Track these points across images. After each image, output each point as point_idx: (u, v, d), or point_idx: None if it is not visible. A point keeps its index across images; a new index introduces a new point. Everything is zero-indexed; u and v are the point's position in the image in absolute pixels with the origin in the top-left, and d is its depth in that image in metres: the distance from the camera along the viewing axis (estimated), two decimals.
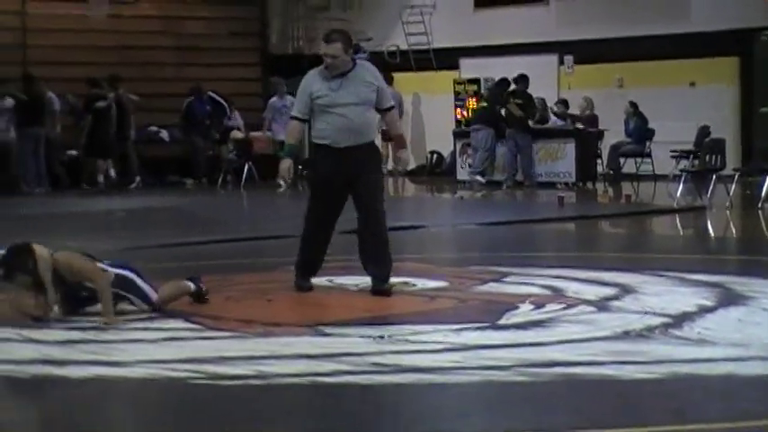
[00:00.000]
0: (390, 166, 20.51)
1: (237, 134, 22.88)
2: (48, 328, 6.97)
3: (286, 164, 8.41)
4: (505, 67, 21.39)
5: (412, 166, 24.34)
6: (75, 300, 7.32)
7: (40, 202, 18.80)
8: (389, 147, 18.00)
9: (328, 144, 8.12)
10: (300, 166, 18.22)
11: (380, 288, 8.12)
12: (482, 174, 20.54)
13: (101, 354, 6.27)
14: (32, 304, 7.15)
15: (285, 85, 21.78)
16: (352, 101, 8.06)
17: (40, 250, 7.19)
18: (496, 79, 21.40)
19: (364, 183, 8.15)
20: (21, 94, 20.84)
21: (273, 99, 21.69)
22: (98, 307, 7.21)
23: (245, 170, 22.10)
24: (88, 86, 21.35)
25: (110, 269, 7.35)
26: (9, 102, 20.80)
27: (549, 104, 21.35)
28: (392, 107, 8.48)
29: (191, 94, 22.34)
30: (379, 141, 9.12)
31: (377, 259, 8.20)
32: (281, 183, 19.00)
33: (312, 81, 8.16)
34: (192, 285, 7.75)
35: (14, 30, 22.66)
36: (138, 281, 7.42)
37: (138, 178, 21.62)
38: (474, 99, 22.46)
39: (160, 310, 7.42)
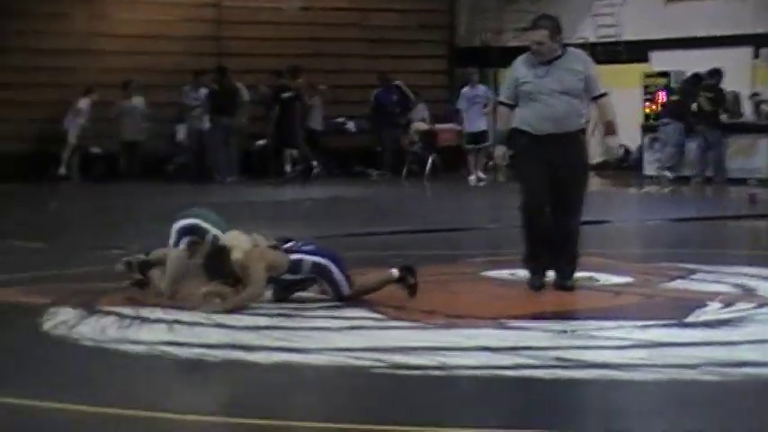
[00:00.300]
0: (599, 155, 20.03)
1: (422, 126, 22.96)
2: (237, 313, 7.13)
3: (500, 150, 8.35)
4: (697, 61, 20.89)
5: (598, 159, 24.04)
6: (284, 287, 7.47)
7: (231, 190, 19.26)
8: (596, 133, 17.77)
9: (530, 131, 7.98)
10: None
11: (562, 284, 8.02)
12: (670, 169, 20.14)
13: (287, 340, 6.39)
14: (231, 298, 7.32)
15: (479, 75, 21.54)
16: (557, 89, 7.89)
17: (236, 252, 7.31)
18: (688, 73, 20.92)
19: (564, 173, 7.97)
20: (213, 85, 21.41)
21: (465, 89, 21.20)
22: (306, 294, 7.44)
23: (430, 162, 22.18)
24: (273, 78, 21.78)
25: (306, 257, 7.43)
26: (203, 92, 21.41)
27: (741, 98, 20.78)
28: (603, 94, 8.16)
29: (379, 84, 22.52)
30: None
31: (562, 254, 8.08)
32: (495, 166, 19.03)
33: (519, 67, 8.06)
34: (394, 272, 7.69)
35: (209, 22, 23.27)
36: (335, 271, 7.46)
37: (314, 163, 21.81)
38: (663, 93, 22.00)
39: (350, 299, 7.48)
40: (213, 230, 7.60)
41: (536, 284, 8.00)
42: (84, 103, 21.32)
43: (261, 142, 22.19)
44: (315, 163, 21.82)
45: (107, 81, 21.66)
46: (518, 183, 8.20)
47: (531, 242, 8.08)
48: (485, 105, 20.29)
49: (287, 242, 7.59)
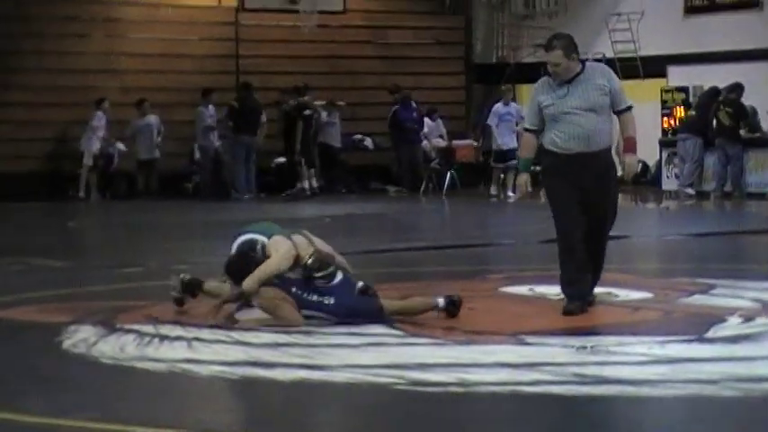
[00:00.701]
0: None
1: (440, 142, 22.99)
2: (255, 330, 7.14)
3: (523, 178, 8.16)
4: (715, 75, 20.87)
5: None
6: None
7: (249, 207, 19.32)
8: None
9: (557, 152, 7.75)
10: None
11: None
12: (691, 186, 20.07)
13: (306, 357, 6.40)
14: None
15: (513, 92, 21.45)
16: (582, 106, 7.68)
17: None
18: (706, 87, 20.90)
19: (597, 197, 7.73)
20: (233, 102, 21.49)
21: (498, 105, 20.99)
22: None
23: (448, 178, 22.20)
24: (289, 95, 21.88)
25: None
26: (212, 109, 21.42)
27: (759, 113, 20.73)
28: (628, 108, 7.89)
29: (396, 102, 22.56)
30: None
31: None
32: (515, 195, 19.12)
33: (540, 90, 7.83)
34: (440, 302, 7.54)
35: (228, 40, 23.38)
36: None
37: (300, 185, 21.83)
38: (682, 108, 21.97)
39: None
40: (261, 239, 7.57)
41: (574, 311, 7.62)
42: (97, 118, 21.37)
43: (280, 160, 22.25)
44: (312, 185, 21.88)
45: (125, 100, 21.78)
46: (551, 208, 7.90)
47: (569, 268, 7.75)
48: (516, 123, 20.11)
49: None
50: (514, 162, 19.44)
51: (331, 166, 22.65)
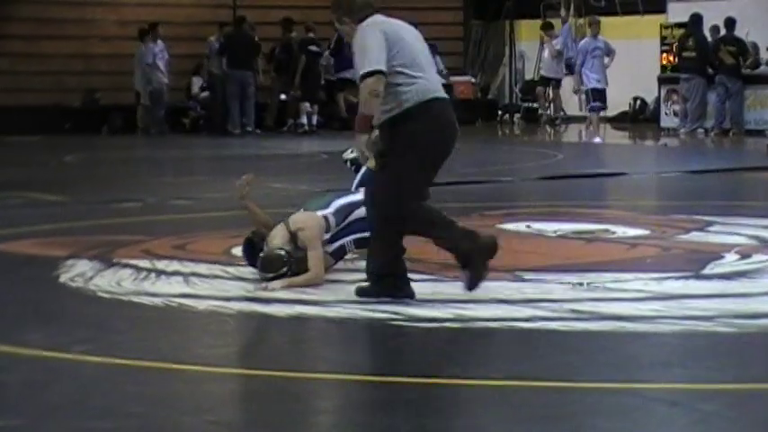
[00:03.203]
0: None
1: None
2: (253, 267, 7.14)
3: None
4: (716, 11, 20.71)
5: (614, 112, 23.90)
6: None
7: (247, 143, 19.28)
8: None
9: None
10: None
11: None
12: (698, 125, 19.92)
13: (303, 293, 6.40)
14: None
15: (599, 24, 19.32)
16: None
17: (272, 244, 6.73)
18: (707, 24, 20.68)
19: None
20: (227, 36, 21.30)
21: (586, 40, 19.06)
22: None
23: None
24: (292, 31, 21.73)
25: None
26: (160, 45, 21.16)
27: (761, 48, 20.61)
28: (362, 76, 6.12)
29: None
30: None
31: None
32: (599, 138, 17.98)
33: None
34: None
35: None
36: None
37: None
38: (681, 44, 21.81)
39: None
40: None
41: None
42: (151, 53, 20.99)
43: (284, 97, 22.14)
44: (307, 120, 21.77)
45: (124, 33, 21.65)
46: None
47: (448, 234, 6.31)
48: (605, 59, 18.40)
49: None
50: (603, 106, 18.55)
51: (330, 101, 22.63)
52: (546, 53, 23.04)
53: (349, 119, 22.56)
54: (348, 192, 7.19)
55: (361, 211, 6.69)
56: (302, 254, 6.69)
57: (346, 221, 6.90)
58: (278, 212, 7.27)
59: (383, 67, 6.09)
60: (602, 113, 19.28)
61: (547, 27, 23.16)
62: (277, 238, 6.72)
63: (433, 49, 22.56)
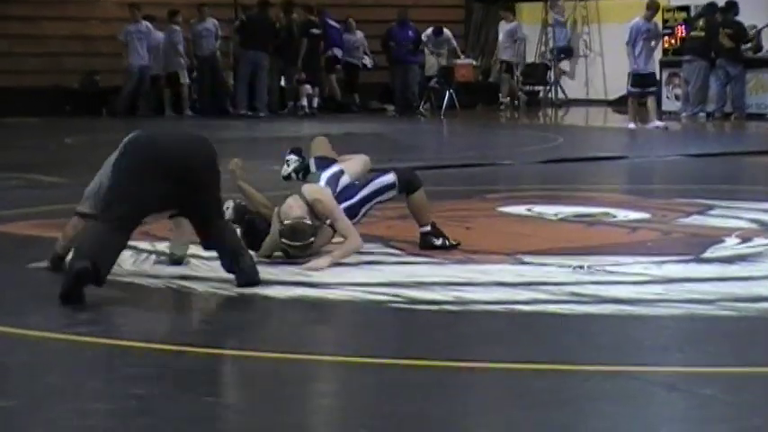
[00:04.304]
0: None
1: (440, 61, 22.80)
2: (252, 249, 7.13)
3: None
4: None
5: (615, 95, 23.86)
6: None
7: (248, 125, 19.27)
8: None
9: None
10: None
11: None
12: (701, 109, 19.87)
13: (303, 275, 6.40)
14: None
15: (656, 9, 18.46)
16: None
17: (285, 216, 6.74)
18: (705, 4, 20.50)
19: None
20: (242, 16, 21.27)
21: (637, 21, 18.18)
22: None
23: (446, 98, 22.06)
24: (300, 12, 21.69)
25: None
26: (211, 23, 21.19)
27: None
28: None
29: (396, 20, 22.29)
30: None
31: None
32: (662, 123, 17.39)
33: None
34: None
35: None
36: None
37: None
38: (684, 27, 21.74)
39: None
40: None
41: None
42: (176, 34, 21.04)
43: (284, 82, 22.07)
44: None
45: (122, 15, 21.58)
46: None
47: None
48: (652, 42, 17.96)
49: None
50: (654, 89, 18.14)
51: (354, 84, 22.60)
52: (501, 36, 23.04)
53: (344, 102, 22.59)
54: (327, 165, 7.34)
55: (346, 179, 7.10)
56: (319, 223, 6.78)
57: (338, 191, 7.05)
58: (278, 195, 7.25)
59: None
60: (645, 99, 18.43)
61: (507, 8, 23.13)
62: (296, 210, 6.73)
63: (439, 32, 22.61)
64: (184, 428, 4.00)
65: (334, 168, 7.27)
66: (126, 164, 6.01)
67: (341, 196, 7.04)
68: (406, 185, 7.19)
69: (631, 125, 17.78)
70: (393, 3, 22.79)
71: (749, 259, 6.78)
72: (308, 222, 6.68)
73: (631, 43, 17.79)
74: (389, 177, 7.18)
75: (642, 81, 17.87)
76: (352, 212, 7.00)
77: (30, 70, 21.43)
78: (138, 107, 21.42)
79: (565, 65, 24.63)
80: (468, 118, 21.23)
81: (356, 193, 7.10)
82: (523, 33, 23.54)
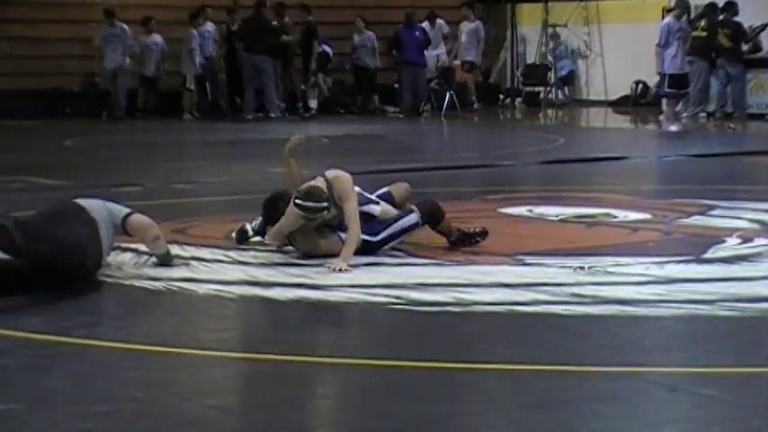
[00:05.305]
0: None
1: (442, 60, 22.77)
2: (253, 250, 7.14)
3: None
4: None
5: (615, 96, 23.87)
6: None
7: (248, 127, 19.26)
8: None
9: None
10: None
11: None
12: (701, 109, 19.85)
13: (304, 277, 6.41)
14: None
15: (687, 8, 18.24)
16: None
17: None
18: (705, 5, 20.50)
19: None
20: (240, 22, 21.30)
21: (669, 20, 17.90)
22: None
23: (447, 99, 22.04)
24: (301, 14, 21.69)
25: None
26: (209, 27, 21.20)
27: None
28: None
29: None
30: None
31: None
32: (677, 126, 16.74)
33: None
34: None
35: None
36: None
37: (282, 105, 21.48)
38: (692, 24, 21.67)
39: None
40: None
41: None
42: (194, 38, 21.15)
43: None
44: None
45: (123, 17, 21.59)
46: None
47: None
48: (685, 42, 17.57)
49: None
50: (687, 90, 17.86)
51: (368, 87, 22.54)
52: (464, 36, 22.75)
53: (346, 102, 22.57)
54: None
55: (376, 209, 7.12)
56: (335, 212, 6.79)
57: (363, 209, 7.03)
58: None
59: None
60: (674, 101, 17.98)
61: (469, 5, 23.03)
62: (315, 182, 6.84)
63: (432, 20, 22.45)
64: None
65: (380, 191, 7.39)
66: None
67: (364, 226, 6.91)
68: (430, 218, 7.18)
69: (673, 127, 17.25)
70: (397, 4, 22.75)
71: (750, 259, 6.78)
72: (325, 191, 6.74)
73: (662, 44, 17.42)
74: (413, 218, 7.14)
75: (679, 82, 17.52)
76: (370, 249, 6.94)
77: (30, 73, 21.42)
78: (139, 109, 21.44)
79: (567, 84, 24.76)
80: (468, 119, 21.23)
81: (379, 232, 7.01)
82: (482, 34, 23.21)
